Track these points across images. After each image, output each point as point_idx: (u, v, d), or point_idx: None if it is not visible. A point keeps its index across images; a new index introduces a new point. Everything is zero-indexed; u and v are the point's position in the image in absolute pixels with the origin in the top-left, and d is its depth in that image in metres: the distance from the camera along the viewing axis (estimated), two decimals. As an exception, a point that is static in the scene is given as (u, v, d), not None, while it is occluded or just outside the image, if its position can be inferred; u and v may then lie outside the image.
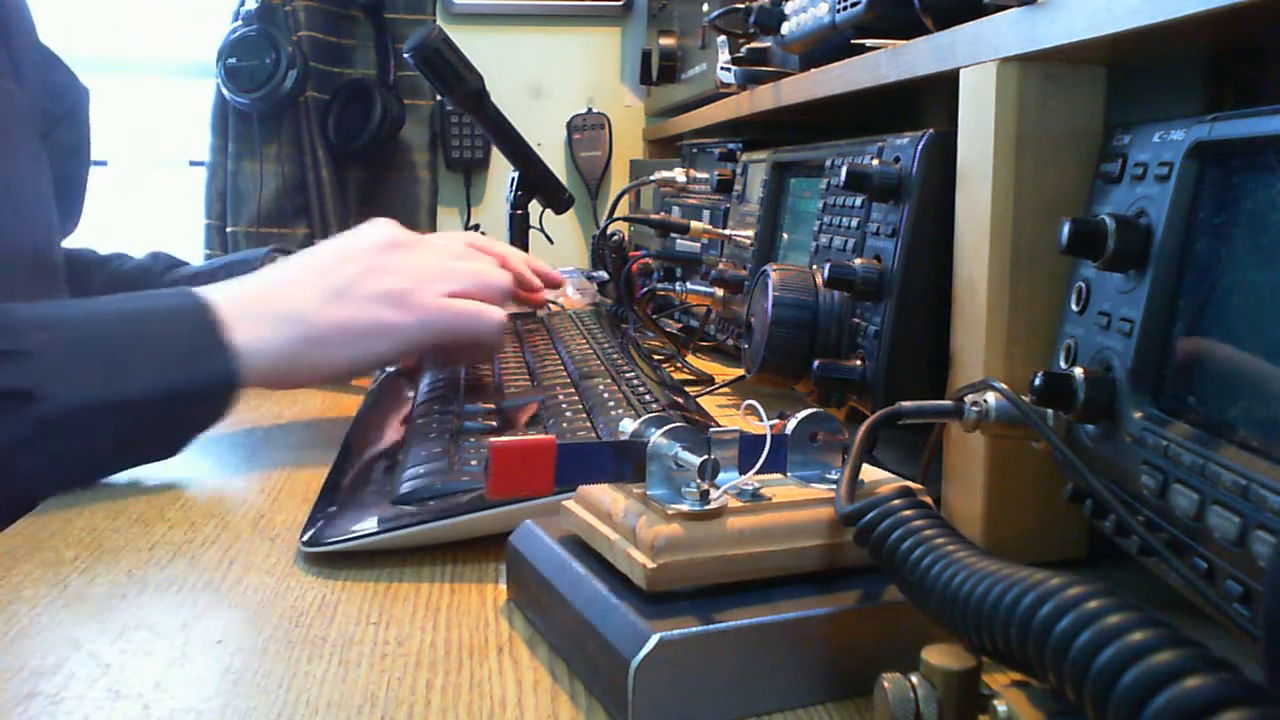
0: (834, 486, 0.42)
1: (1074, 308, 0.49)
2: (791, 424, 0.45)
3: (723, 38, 1.19)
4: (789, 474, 0.45)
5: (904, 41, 0.66)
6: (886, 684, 0.33)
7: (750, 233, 0.98)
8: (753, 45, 1.03)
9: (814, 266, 0.69)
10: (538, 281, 0.86)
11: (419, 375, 0.82)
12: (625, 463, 0.41)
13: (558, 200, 1.34)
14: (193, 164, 1.81)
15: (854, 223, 0.69)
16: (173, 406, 0.62)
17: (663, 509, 0.39)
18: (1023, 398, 0.46)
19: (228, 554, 0.54)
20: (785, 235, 0.93)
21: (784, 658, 0.38)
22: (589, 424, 0.64)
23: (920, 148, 0.61)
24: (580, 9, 1.92)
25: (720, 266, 0.99)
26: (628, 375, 0.78)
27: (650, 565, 0.38)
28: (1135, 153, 0.47)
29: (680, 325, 1.23)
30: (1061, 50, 0.49)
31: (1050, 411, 0.47)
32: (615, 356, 0.87)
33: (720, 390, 0.96)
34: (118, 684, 0.40)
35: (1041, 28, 0.50)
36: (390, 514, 0.54)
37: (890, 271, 0.62)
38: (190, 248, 1.71)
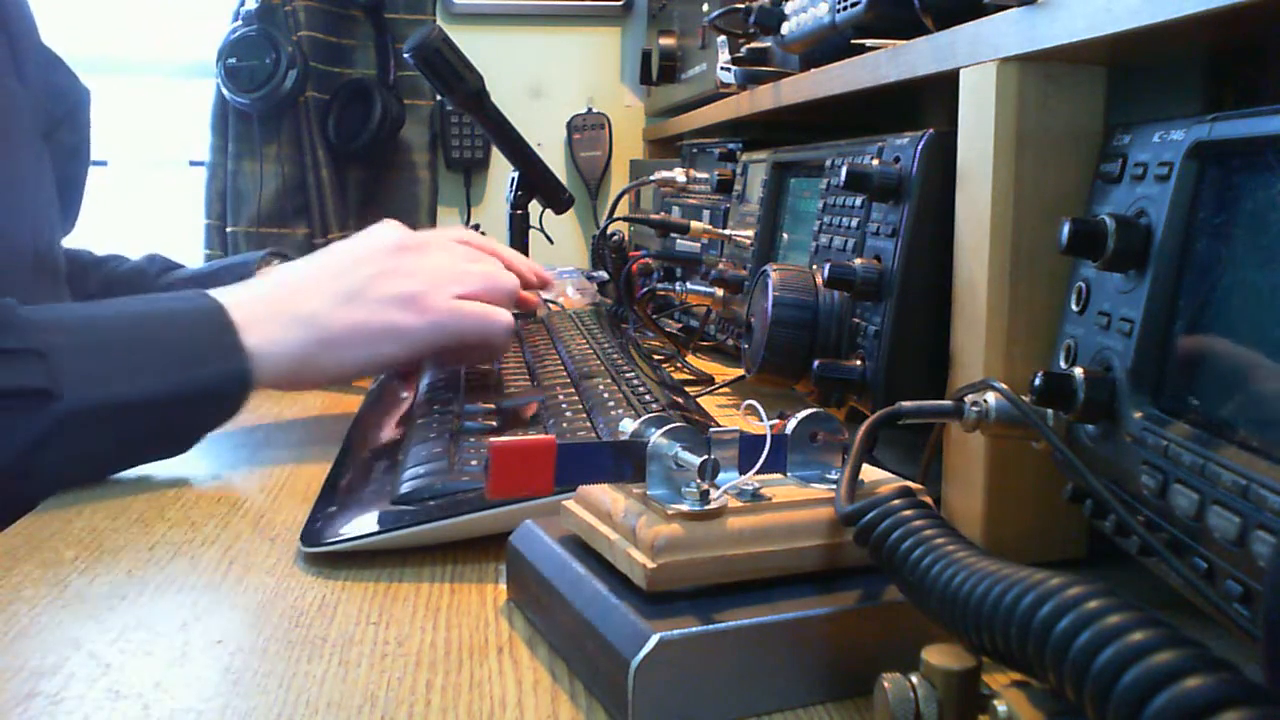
0: (834, 486, 0.42)
1: (1074, 308, 0.49)
2: (791, 424, 0.45)
3: (723, 38, 1.19)
4: (789, 474, 0.45)
5: (904, 41, 0.66)
6: (886, 684, 0.33)
7: (750, 233, 0.98)
8: (753, 45, 1.03)
9: (814, 266, 0.69)
10: (535, 279, 0.87)
11: (419, 375, 0.82)
12: (625, 463, 0.41)
13: (558, 200, 1.34)
14: (193, 164, 1.81)
15: (854, 223, 0.69)
16: (186, 406, 0.63)
17: (663, 509, 0.39)
18: (1023, 398, 0.46)
19: (228, 554, 0.54)
20: (785, 235, 0.93)
21: (784, 658, 0.38)
22: (589, 424, 0.64)
23: (920, 148, 0.61)
24: (580, 9, 1.92)
25: (720, 266, 0.99)
26: (628, 375, 0.78)
27: (650, 565, 0.38)
28: (1135, 153, 0.47)
29: (680, 325, 1.23)
30: (1061, 50, 0.49)
31: (1050, 411, 0.47)
32: (615, 356, 0.87)
33: (720, 390, 0.96)
34: (118, 684, 0.40)
35: (1041, 28, 0.50)
36: (390, 514, 0.54)
37: (890, 271, 0.62)
38: (190, 248, 1.71)
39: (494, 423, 0.67)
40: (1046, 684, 0.29)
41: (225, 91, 1.64)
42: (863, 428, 0.44)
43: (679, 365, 1.07)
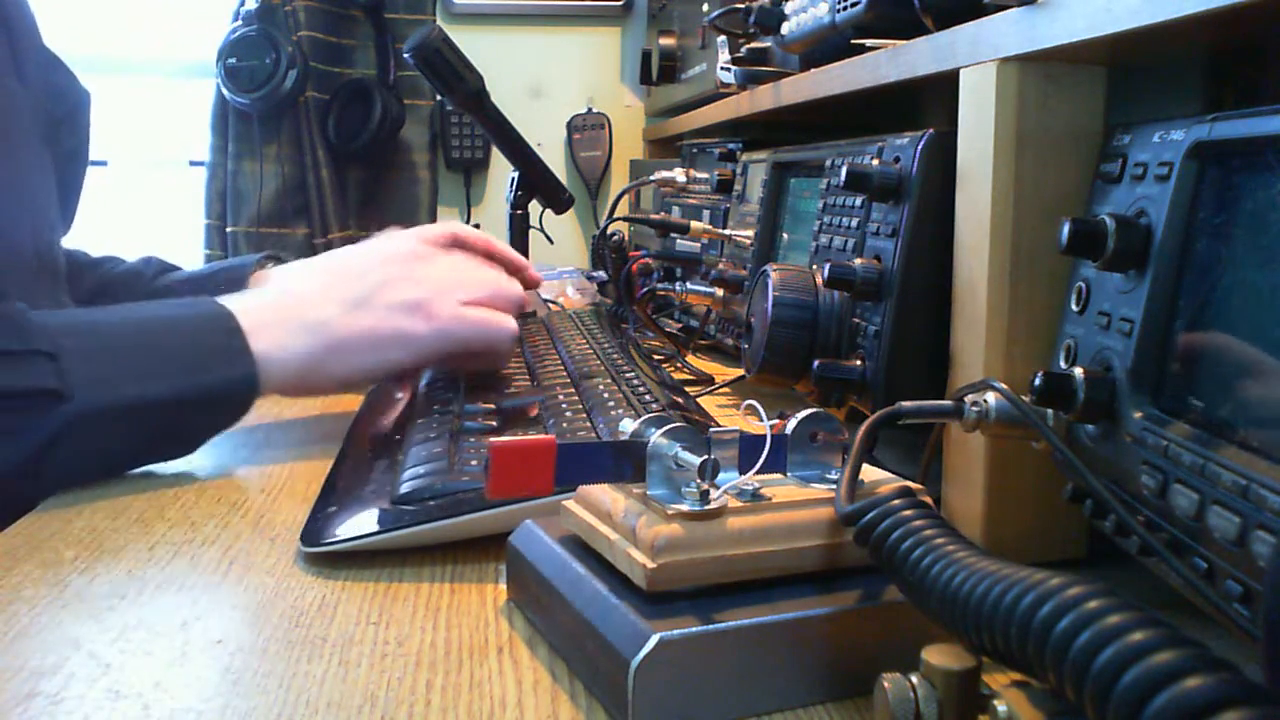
0: (834, 486, 0.42)
1: (1074, 308, 0.49)
2: (791, 424, 0.45)
3: (723, 38, 1.19)
4: (789, 474, 0.45)
5: (904, 41, 0.66)
6: (886, 684, 0.33)
7: (750, 233, 0.98)
8: (753, 45, 1.03)
9: (814, 266, 0.69)
10: (535, 276, 0.89)
11: (417, 376, 0.82)
12: (625, 463, 0.41)
13: (558, 200, 1.34)
14: (193, 164, 1.81)
15: (854, 223, 0.69)
16: (193, 410, 0.65)
17: (663, 509, 0.39)
18: (1023, 398, 0.46)
19: (228, 554, 0.54)
20: (785, 235, 0.93)
21: (784, 658, 0.38)
22: (589, 424, 0.64)
23: (920, 148, 0.61)
24: (580, 9, 1.92)
25: (720, 266, 0.99)
26: (628, 375, 0.78)
27: (650, 565, 0.38)
28: (1135, 153, 0.47)
29: (680, 325, 1.23)
30: (1061, 50, 0.49)
31: (1050, 411, 0.47)
32: (615, 356, 0.87)
33: (720, 390, 0.96)
34: (118, 684, 0.40)
35: (1041, 28, 0.50)
36: (390, 514, 0.54)
37: (890, 271, 0.62)
38: (190, 248, 1.71)
39: (494, 423, 0.67)
40: (1046, 684, 0.29)
41: (225, 91, 1.64)
42: (863, 428, 0.44)
43: (679, 365, 1.07)
